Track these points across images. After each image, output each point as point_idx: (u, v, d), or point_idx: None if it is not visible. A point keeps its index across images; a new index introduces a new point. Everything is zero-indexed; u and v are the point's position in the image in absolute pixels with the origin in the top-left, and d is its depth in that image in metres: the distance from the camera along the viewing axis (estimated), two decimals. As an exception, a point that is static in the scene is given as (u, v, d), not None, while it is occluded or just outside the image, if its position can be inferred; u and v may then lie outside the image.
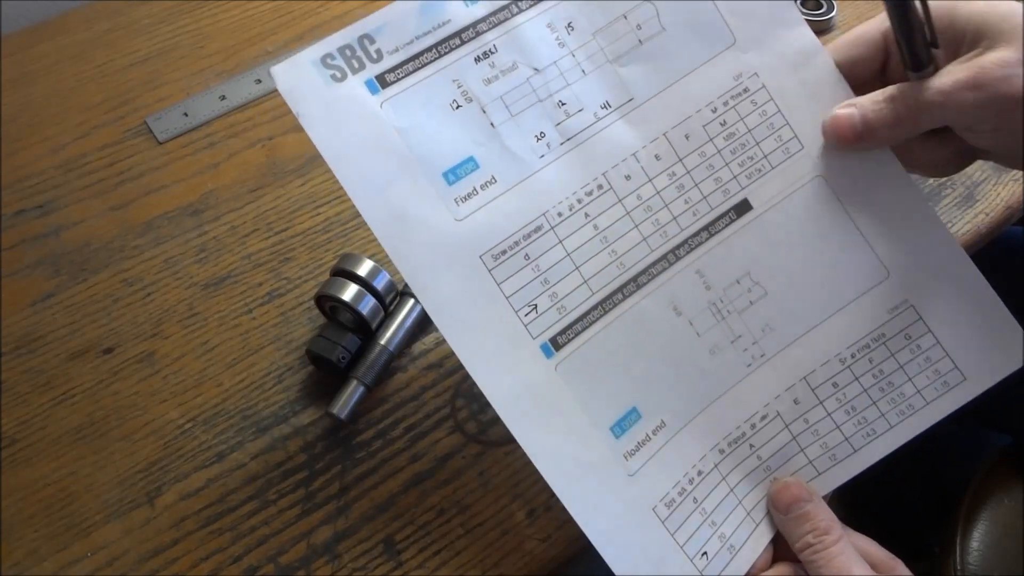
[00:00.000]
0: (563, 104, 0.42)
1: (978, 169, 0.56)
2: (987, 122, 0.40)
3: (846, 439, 0.43)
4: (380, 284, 0.48)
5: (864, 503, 1.04)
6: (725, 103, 0.44)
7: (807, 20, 0.63)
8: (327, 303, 0.49)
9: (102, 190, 0.57)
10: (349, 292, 0.47)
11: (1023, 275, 0.63)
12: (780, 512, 0.42)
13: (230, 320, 0.52)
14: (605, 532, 0.39)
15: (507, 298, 0.40)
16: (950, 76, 0.40)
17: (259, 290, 0.53)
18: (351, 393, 0.47)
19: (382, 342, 0.48)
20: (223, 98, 0.62)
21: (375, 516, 0.45)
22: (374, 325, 0.48)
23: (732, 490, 0.42)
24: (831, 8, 0.64)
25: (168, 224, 0.56)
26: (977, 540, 0.62)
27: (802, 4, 0.64)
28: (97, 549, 0.44)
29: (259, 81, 0.62)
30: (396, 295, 0.49)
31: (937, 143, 0.43)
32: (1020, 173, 0.56)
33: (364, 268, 0.48)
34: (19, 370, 0.50)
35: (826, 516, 0.41)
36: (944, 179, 0.56)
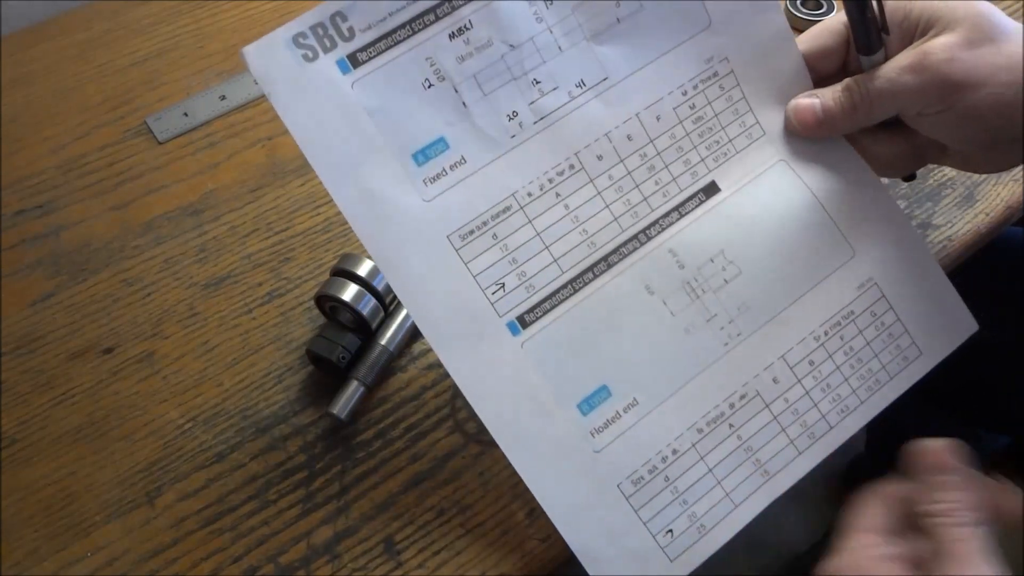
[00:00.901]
0: (538, 82, 0.42)
1: (978, 169, 0.56)
2: (932, 106, 0.41)
3: (823, 416, 0.43)
4: (380, 284, 0.48)
5: (864, 503, 1.04)
6: (695, 86, 0.44)
7: (807, 20, 0.63)
8: (327, 303, 0.49)
9: (102, 190, 0.57)
10: (349, 292, 0.47)
11: (1023, 275, 0.63)
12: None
13: (230, 320, 0.52)
14: (563, 506, 0.40)
15: (474, 277, 0.41)
16: (896, 62, 0.42)
17: (259, 290, 0.53)
18: (351, 393, 0.47)
19: (382, 342, 0.48)
20: (223, 98, 0.62)
21: (375, 516, 0.45)
22: (374, 325, 0.48)
23: (711, 470, 0.42)
24: (831, 8, 0.64)
25: (168, 224, 0.56)
26: (977, 540, 0.62)
27: (802, 4, 0.64)
28: (97, 549, 0.44)
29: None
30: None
31: (887, 137, 0.45)
32: (1020, 173, 0.56)
33: (364, 268, 0.48)
34: (19, 370, 0.50)
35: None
36: (944, 179, 0.56)
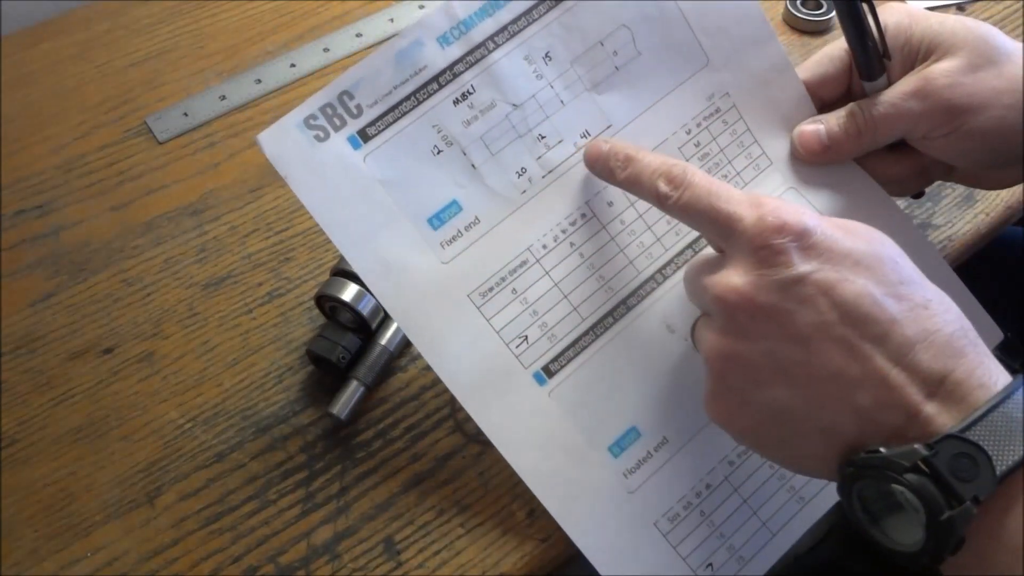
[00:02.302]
0: (543, 137, 0.42)
1: (978, 169, 0.56)
2: (936, 130, 0.42)
3: None
4: (380, 284, 0.48)
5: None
6: (698, 124, 0.45)
7: (807, 20, 0.63)
8: (327, 303, 0.49)
9: (102, 190, 0.57)
10: (349, 292, 0.47)
11: (1023, 275, 0.63)
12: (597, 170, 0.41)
13: (230, 320, 0.52)
14: (604, 550, 0.40)
15: (497, 332, 0.41)
16: (899, 88, 0.42)
17: (259, 290, 0.53)
18: (351, 393, 0.47)
19: (382, 342, 0.48)
20: (223, 98, 0.62)
21: (375, 516, 0.45)
22: (374, 325, 0.48)
23: (745, 501, 0.42)
24: (831, 8, 0.64)
25: (168, 224, 0.56)
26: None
27: (802, 4, 0.64)
28: (97, 549, 0.44)
29: (259, 81, 0.62)
30: (396, 295, 0.49)
31: (895, 159, 0.45)
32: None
33: (364, 268, 0.48)
34: (19, 370, 0.50)
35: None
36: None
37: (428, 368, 0.49)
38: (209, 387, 0.49)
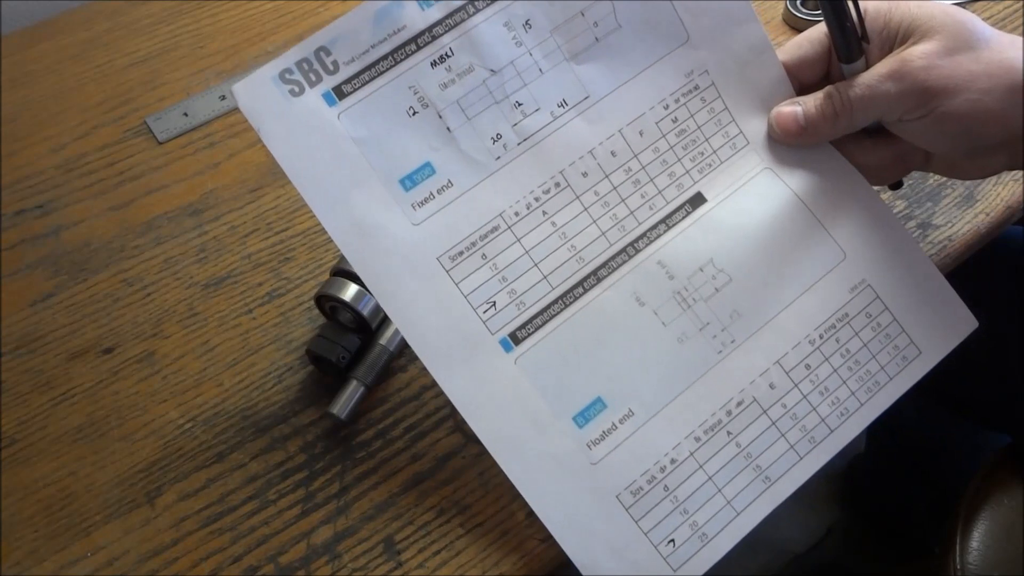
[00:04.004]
0: (520, 104, 0.42)
1: (978, 169, 0.56)
2: (911, 112, 0.42)
3: (823, 420, 0.43)
4: (380, 284, 0.48)
5: (865, 503, 1.04)
6: (676, 100, 0.45)
7: (807, 20, 0.63)
8: (327, 303, 0.49)
9: (102, 190, 0.57)
10: (349, 292, 0.47)
11: (1023, 275, 0.63)
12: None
13: (230, 320, 0.52)
14: (564, 520, 0.40)
15: (465, 296, 0.41)
16: (875, 70, 0.42)
17: (259, 290, 0.53)
18: (351, 393, 0.47)
19: (382, 342, 0.48)
20: (223, 98, 0.62)
21: (375, 516, 0.45)
22: (374, 325, 0.48)
23: (711, 478, 0.42)
24: (831, 8, 0.64)
25: (168, 224, 0.56)
26: (977, 540, 0.62)
27: (802, 4, 0.64)
28: (97, 549, 0.44)
29: (259, 81, 0.62)
30: (396, 295, 0.49)
31: (872, 145, 0.45)
32: (1020, 173, 0.56)
33: (364, 268, 0.48)
34: (19, 370, 0.50)
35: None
36: (944, 179, 0.56)
37: (428, 368, 0.49)
38: (209, 387, 0.49)
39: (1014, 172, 0.56)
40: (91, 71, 0.64)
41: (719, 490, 0.42)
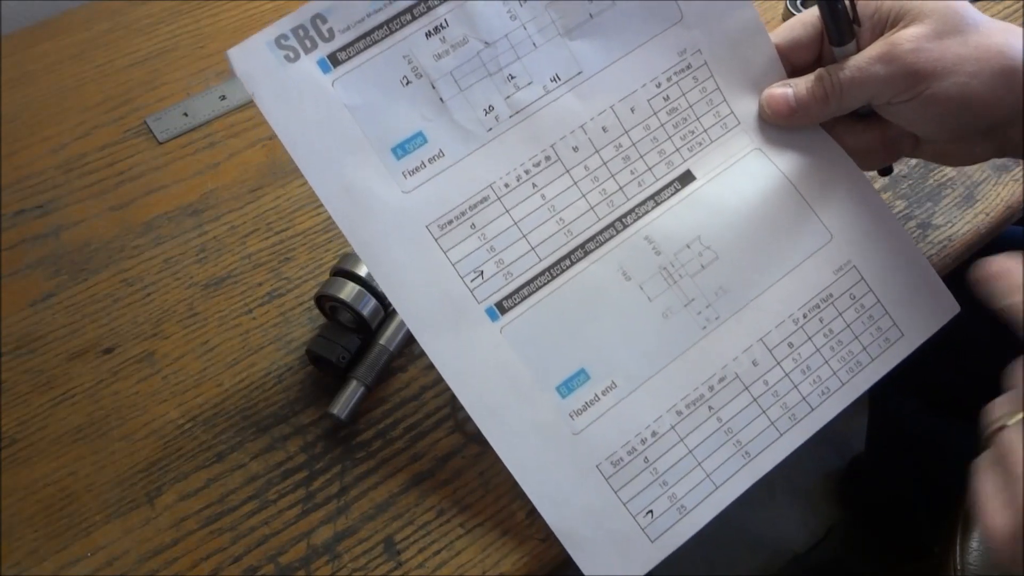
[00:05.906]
0: (512, 77, 0.43)
1: (978, 169, 0.56)
2: (900, 95, 0.42)
3: (803, 398, 0.44)
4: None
5: (865, 503, 1.04)
6: (668, 78, 0.45)
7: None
8: (327, 303, 0.49)
9: (102, 190, 0.57)
10: (349, 292, 0.47)
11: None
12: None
13: (230, 320, 0.52)
14: (544, 490, 0.41)
15: (453, 265, 0.42)
16: (865, 52, 0.43)
17: (259, 290, 0.53)
18: (351, 393, 0.47)
19: (382, 342, 0.48)
20: (223, 98, 0.62)
21: (375, 516, 0.45)
22: (374, 325, 0.48)
23: (691, 452, 0.42)
24: (831, 8, 0.64)
25: (168, 224, 0.56)
26: (977, 540, 0.62)
27: (802, 4, 0.64)
28: (97, 549, 0.44)
29: (259, 81, 0.62)
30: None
31: (862, 128, 0.46)
32: (1020, 172, 0.56)
33: (364, 268, 0.48)
34: (19, 370, 0.50)
35: None
36: (944, 179, 0.56)
37: (429, 368, 0.49)
38: (209, 387, 0.49)
39: (1014, 172, 0.56)
40: (91, 71, 0.64)
41: (699, 464, 0.42)
